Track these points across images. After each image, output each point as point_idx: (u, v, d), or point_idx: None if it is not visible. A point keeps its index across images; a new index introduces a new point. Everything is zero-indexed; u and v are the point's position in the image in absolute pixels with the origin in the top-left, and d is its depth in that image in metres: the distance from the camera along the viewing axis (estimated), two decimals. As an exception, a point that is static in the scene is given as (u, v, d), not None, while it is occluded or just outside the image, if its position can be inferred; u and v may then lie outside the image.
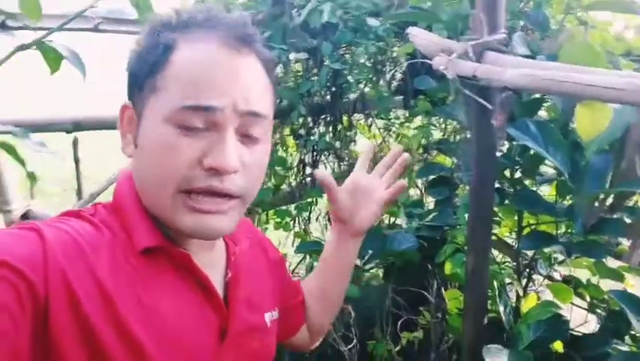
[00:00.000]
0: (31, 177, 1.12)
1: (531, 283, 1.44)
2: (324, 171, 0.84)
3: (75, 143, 1.96)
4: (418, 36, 0.98)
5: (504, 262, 1.56)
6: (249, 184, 0.57)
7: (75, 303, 0.49)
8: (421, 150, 1.67)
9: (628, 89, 0.58)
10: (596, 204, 0.98)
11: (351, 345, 1.52)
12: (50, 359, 0.49)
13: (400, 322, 1.53)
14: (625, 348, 1.03)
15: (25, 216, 2.13)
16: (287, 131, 1.49)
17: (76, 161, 2.03)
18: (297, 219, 1.59)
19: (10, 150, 1.10)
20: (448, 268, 1.24)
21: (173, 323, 0.55)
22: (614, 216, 0.97)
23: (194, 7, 0.59)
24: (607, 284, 1.25)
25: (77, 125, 1.36)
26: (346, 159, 1.59)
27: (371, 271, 1.51)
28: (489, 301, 1.23)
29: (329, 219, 1.73)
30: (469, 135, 1.16)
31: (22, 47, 0.99)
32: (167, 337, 0.55)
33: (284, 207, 1.49)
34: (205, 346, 0.58)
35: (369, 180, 0.82)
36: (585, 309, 1.28)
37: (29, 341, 0.47)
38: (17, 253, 0.48)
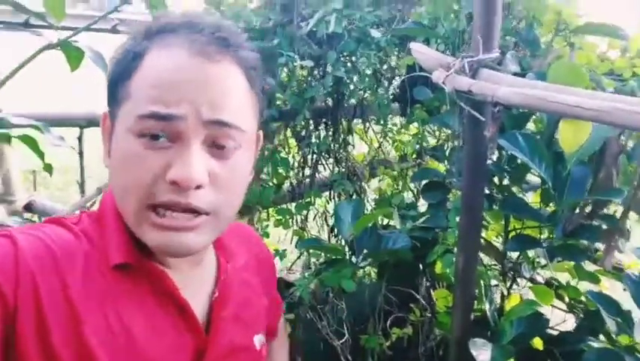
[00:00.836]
0: (48, 168, 1.18)
1: (515, 285, 1.54)
2: None
3: (80, 136, 2.01)
4: (419, 51, 1.07)
5: (491, 265, 1.66)
6: (220, 199, 0.53)
7: (40, 315, 0.48)
8: (415, 156, 1.76)
9: (606, 110, 0.67)
10: (576, 211, 1.07)
11: (343, 339, 1.59)
12: None
13: (390, 318, 1.61)
14: (599, 345, 1.12)
15: (28, 206, 2.18)
16: (289, 132, 1.56)
17: (81, 154, 2.08)
18: (295, 217, 1.66)
19: (32, 143, 1.16)
20: (438, 267, 1.33)
21: (141, 345, 0.53)
22: (592, 222, 1.07)
23: (175, 13, 0.57)
24: (585, 287, 1.34)
25: (91, 121, 1.42)
26: (344, 161, 1.66)
27: (365, 269, 1.59)
28: (475, 300, 1.32)
29: (325, 219, 1.81)
30: (461, 143, 1.24)
31: (49, 47, 1.05)
32: (130, 355, 0.52)
33: (284, 206, 1.56)
34: None
35: None
36: (564, 310, 1.37)
37: (1, 345, 0.47)
38: None
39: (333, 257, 1.37)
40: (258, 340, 0.67)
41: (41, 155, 1.18)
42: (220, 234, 0.57)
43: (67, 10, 1.21)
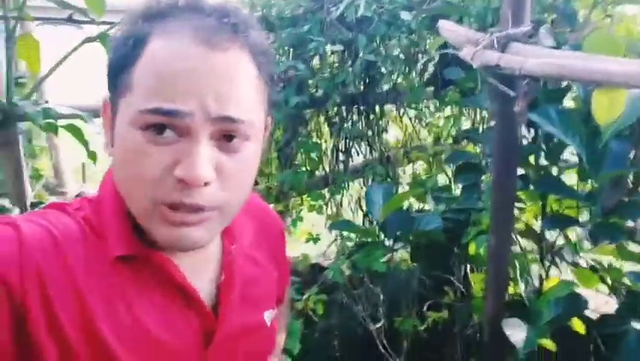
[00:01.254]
0: (93, 156, 1.25)
1: (556, 270, 1.49)
2: None
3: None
4: (447, 28, 1.06)
5: (530, 250, 1.61)
6: (229, 193, 0.51)
7: (49, 304, 0.48)
8: (450, 140, 1.74)
9: (635, 74, 0.64)
10: (616, 187, 1.03)
11: (379, 324, 1.60)
12: (33, 355, 0.48)
13: (426, 303, 1.60)
14: (642, 327, 1.07)
15: (79, 197, 2.32)
16: (322, 118, 1.58)
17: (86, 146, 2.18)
18: (329, 203, 1.68)
19: (77, 133, 1.24)
20: (471, 249, 1.31)
21: (153, 334, 0.53)
22: (634, 199, 1.02)
23: None
24: (629, 268, 1.29)
25: (98, 113, 1.49)
26: (377, 146, 1.67)
27: (398, 252, 1.59)
28: (511, 284, 1.30)
29: (359, 205, 1.82)
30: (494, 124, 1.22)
31: (89, 40, 1.12)
32: (142, 344, 0.52)
33: (318, 191, 1.58)
34: (186, 352, 0.56)
35: None
36: (606, 293, 1.32)
37: (11, 336, 0.47)
38: None
39: (365, 240, 1.39)
40: (268, 315, 0.66)
41: (86, 143, 1.26)
42: (227, 225, 0.56)
43: (108, 5, 1.29)
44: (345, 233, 1.57)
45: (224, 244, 0.63)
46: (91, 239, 0.53)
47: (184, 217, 0.49)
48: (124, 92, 0.50)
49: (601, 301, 1.45)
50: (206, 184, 0.49)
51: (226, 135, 0.50)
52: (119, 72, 0.51)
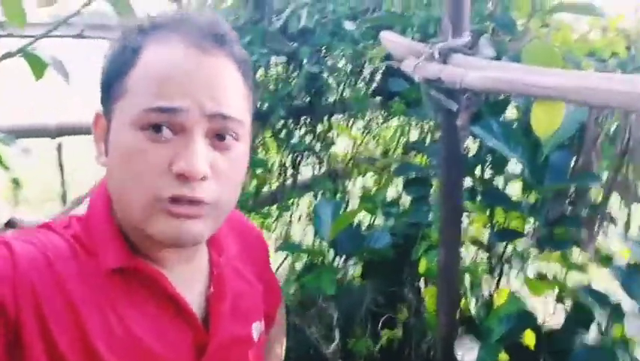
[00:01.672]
0: (15, 182, 1.14)
1: (505, 279, 1.49)
2: None
3: (59, 148, 1.97)
4: (389, 39, 1.03)
5: (480, 259, 1.61)
6: (222, 191, 0.54)
7: (43, 321, 0.49)
8: (399, 151, 1.71)
9: (575, 88, 0.62)
10: (559, 199, 1.03)
11: (333, 345, 1.54)
12: None
13: (381, 320, 1.56)
14: (590, 341, 1.07)
15: (9, 223, 2.13)
16: (268, 133, 1.52)
17: (61, 166, 2.04)
18: (278, 221, 1.61)
19: (-6, 157, 1.12)
20: (422, 265, 1.28)
21: (146, 346, 0.54)
22: (575, 210, 1.02)
23: (167, 13, 0.57)
24: (575, 277, 1.30)
25: (61, 131, 1.38)
26: (326, 160, 1.62)
27: (351, 270, 1.54)
28: (464, 298, 1.28)
29: (310, 220, 1.76)
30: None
31: (8, 55, 1.01)
32: (135, 357, 0.53)
33: (265, 209, 1.51)
34: None
35: None
36: (554, 300, 1.33)
37: (3, 352, 0.47)
38: None
39: (315, 261, 1.33)
40: (256, 329, 0.67)
41: (6, 168, 1.14)
42: (220, 225, 0.57)
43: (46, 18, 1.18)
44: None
45: (211, 256, 0.64)
46: (81, 256, 0.54)
47: (186, 210, 0.51)
48: (118, 98, 0.53)
49: (551, 308, 1.46)
50: (203, 178, 0.51)
51: (218, 134, 0.53)
52: (113, 81, 0.53)
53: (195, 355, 0.58)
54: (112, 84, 0.54)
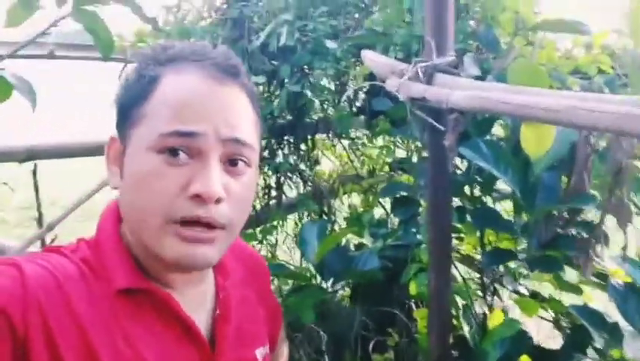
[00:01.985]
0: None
1: (497, 298, 1.45)
2: None
3: (34, 171, 1.90)
4: (370, 58, 1.00)
5: (471, 278, 1.57)
6: (234, 214, 0.56)
7: (51, 340, 0.49)
8: (387, 169, 1.68)
9: (563, 110, 0.59)
10: (551, 219, 1.00)
11: (322, 370, 1.49)
12: None
13: (371, 344, 1.51)
14: (588, 364, 1.03)
15: (-19, 248, 2.04)
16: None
17: (36, 189, 1.96)
18: (263, 242, 1.56)
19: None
20: (413, 288, 1.24)
21: None
22: (568, 231, 0.99)
23: (181, 42, 0.61)
24: (570, 296, 1.27)
25: (31, 154, 1.31)
26: (310, 180, 1.58)
27: (339, 293, 1.49)
28: (455, 320, 1.23)
29: (296, 242, 1.71)
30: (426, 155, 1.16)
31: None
32: None
33: (249, 231, 1.46)
34: None
35: None
36: (550, 320, 1.29)
37: None
38: None
39: (300, 283, 1.28)
40: (260, 354, 0.68)
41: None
42: (228, 248, 0.59)
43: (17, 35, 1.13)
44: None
45: (217, 279, 0.65)
46: (90, 278, 0.55)
47: (198, 235, 0.53)
48: (136, 124, 0.55)
49: (545, 328, 1.42)
50: (217, 201, 0.53)
51: (231, 160, 0.56)
52: (131, 107, 0.56)
53: None
54: (129, 110, 0.56)
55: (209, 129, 0.53)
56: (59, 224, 1.50)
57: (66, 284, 0.53)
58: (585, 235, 0.89)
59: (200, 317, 0.61)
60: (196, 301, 0.61)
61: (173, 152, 0.53)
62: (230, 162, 0.55)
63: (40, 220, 1.99)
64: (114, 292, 0.55)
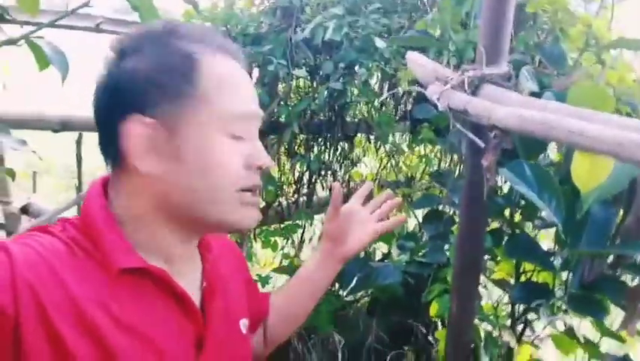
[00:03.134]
0: (10, 173, 1.10)
1: (530, 330, 1.34)
2: (339, 186, 0.90)
3: (79, 140, 1.96)
4: (415, 62, 0.92)
5: (503, 303, 1.47)
6: None
7: (45, 316, 0.50)
8: (425, 180, 1.60)
9: (624, 143, 0.51)
10: (598, 259, 0.89)
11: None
12: None
13: (387, 359, 1.44)
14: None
15: (24, 209, 2.14)
16: (282, 148, 1.44)
17: (79, 158, 2.02)
18: (288, 239, 1.52)
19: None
20: (434, 309, 1.16)
21: (153, 338, 0.56)
22: (616, 273, 0.88)
23: (185, 23, 0.62)
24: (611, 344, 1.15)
25: (65, 125, 1.34)
26: (343, 180, 1.52)
27: (356, 302, 1.43)
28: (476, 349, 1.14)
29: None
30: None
31: (9, 42, 0.98)
32: (145, 351, 0.55)
33: (273, 227, 1.43)
34: (184, 357, 0.60)
35: (362, 211, 0.89)
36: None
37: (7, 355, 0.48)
38: None
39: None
40: (243, 324, 0.71)
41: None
42: None
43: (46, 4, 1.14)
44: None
45: (201, 252, 0.68)
46: (80, 256, 0.55)
47: (259, 199, 0.62)
48: (191, 104, 0.56)
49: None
50: None
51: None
52: (176, 88, 0.56)
53: (195, 346, 0.61)
54: (169, 92, 0.56)
55: (259, 110, 0.62)
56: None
57: (56, 262, 0.53)
58: (634, 285, 0.79)
59: (192, 291, 0.63)
60: (187, 277, 0.63)
61: (240, 131, 0.59)
62: None
63: (79, 188, 2.06)
64: (110, 271, 0.55)
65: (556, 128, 0.58)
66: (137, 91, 0.55)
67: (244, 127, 0.59)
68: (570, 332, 1.21)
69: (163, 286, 0.59)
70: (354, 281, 1.22)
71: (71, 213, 1.71)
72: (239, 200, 0.59)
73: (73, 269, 0.54)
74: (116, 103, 0.56)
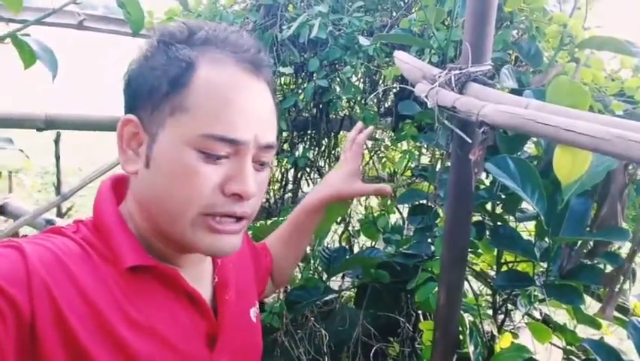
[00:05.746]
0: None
1: (509, 320, 1.40)
2: (362, 124, 0.99)
3: (57, 140, 1.92)
4: (403, 60, 0.95)
5: (482, 295, 1.52)
6: (257, 205, 0.60)
7: (61, 316, 0.50)
8: (409, 174, 1.63)
9: (602, 137, 0.54)
10: (576, 247, 0.94)
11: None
12: None
13: (372, 351, 1.48)
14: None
15: (1, 209, 2.08)
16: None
17: (57, 157, 1.98)
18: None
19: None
20: (418, 295, 1.20)
21: (166, 337, 0.57)
22: (593, 261, 0.93)
23: (207, 24, 0.59)
24: (587, 331, 1.21)
25: (50, 123, 1.32)
26: (329, 177, 1.54)
27: (345, 294, 1.46)
28: (461, 338, 1.19)
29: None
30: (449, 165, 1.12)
31: (-5, 38, 0.96)
32: (159, 349, 0.56)
33: (259, 223, 1.44)
34: (198, 355, 0.60)
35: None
36: (563, 350, 1.24)
37: (15, 354, 0.48)
38: None
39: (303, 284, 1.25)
40: (253, 312, 0.73)
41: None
42: None
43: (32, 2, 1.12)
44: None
45: None
46: (94, 256, 0.55)
47: (229, 226, 0.57)
48: (173, 113, 0.54)
49: (555, 354, 1.37)
50: (252, 197, 0.57)
51: (259, 161, 0.59)
52: (166, 94, 0.54)
53: (208, 343, 0.62)
54: (161, 98, 0.54)
55: (252, 137, 0.55)
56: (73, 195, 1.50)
57: (70, 262, 0.53)
58: (610, 270, 0.84)
59: (203, 288, 0.64)
60: (199, 274, 0.65)
61: (215, 154, 0.54)
62: (259, 162, 0.59)
63: (58, 188, 2.02)
64: (122, 270, 0.55)
65: (541, 124, 0.61)
66: (132, 91, 0.57)
67: (226, 148, 0.54)
68: (546, 320, 1.27)
69: (174, 285, 0.59)
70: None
71: (51, 214, 1.67)
72: (201, 223, 0.55)
73: (87, 270, 0.54)
74: (124, 101, 0.59)
